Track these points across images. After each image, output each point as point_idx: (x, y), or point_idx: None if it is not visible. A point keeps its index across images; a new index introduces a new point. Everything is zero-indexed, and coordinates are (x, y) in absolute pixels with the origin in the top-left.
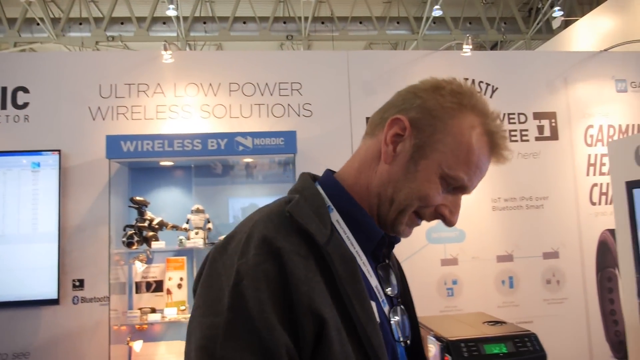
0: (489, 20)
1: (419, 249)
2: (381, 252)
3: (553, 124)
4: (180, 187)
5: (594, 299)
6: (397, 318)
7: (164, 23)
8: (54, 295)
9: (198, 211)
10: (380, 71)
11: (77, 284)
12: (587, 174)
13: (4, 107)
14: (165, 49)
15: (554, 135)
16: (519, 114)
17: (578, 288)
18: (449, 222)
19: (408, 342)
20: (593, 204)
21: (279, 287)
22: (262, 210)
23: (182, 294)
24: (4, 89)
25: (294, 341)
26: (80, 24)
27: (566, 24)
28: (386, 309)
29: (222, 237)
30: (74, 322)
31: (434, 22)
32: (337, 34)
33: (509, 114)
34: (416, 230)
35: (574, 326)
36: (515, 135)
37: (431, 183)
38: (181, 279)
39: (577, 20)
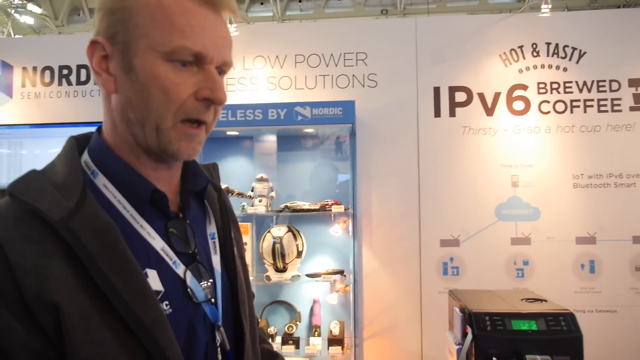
0: None
1: (487, 226)
2: (166, 206)
3: None
4: (245, 156)
5: None
6: (193, 277)
7: (262, 4)
8: None
9: (262, 180)
10: (451, 38)
11: None
12: None
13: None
14: (230, 22)
15: None
16: (610, 80)
17: None
18: (217, 100)
19: (213, 300)
20: None
21: (6, 282)
22: None
23: (247, 257)
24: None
25: (44, 341)
26: None
27: None
28: (180, 270)
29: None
30: None
31: None
32: (435, 6)
33: (598, 82)
34: (485, 207)
35: None
36: (605, 105)
37: (159, 75)
38: (246, 243)
39: None
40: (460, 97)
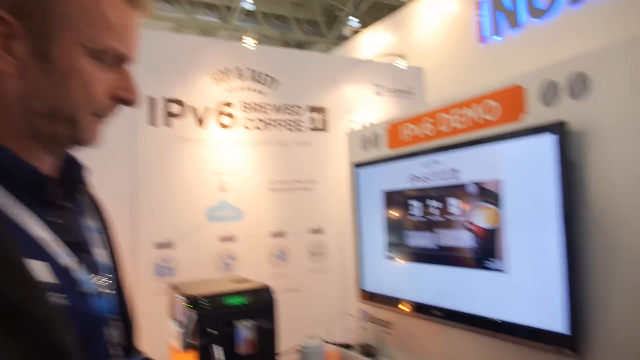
0: (296, 20)
1: (199, 227)
2: (50, 194)
3: (324, 117)
4: None
5: (351, 269)
6: (82, 268)
7: None
8: None
9: None
10: (166, 54)
11: None
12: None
13: None
14: None
15: (325, 127)
16: (297, 106)
17: (337, 259)
18: (132, 102)
19: (104, 293)
20: None
21: None
22: None
23: None
24: None
25: None
26: None
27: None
28: (68, 260)
29: None
30: None
31: (246, 15)
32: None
33: (287, 105)
34: (197, 210)
35: (333, 291)
36: (292, 125)
37: (82, 70)
38: None
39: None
40: (175, 108)
